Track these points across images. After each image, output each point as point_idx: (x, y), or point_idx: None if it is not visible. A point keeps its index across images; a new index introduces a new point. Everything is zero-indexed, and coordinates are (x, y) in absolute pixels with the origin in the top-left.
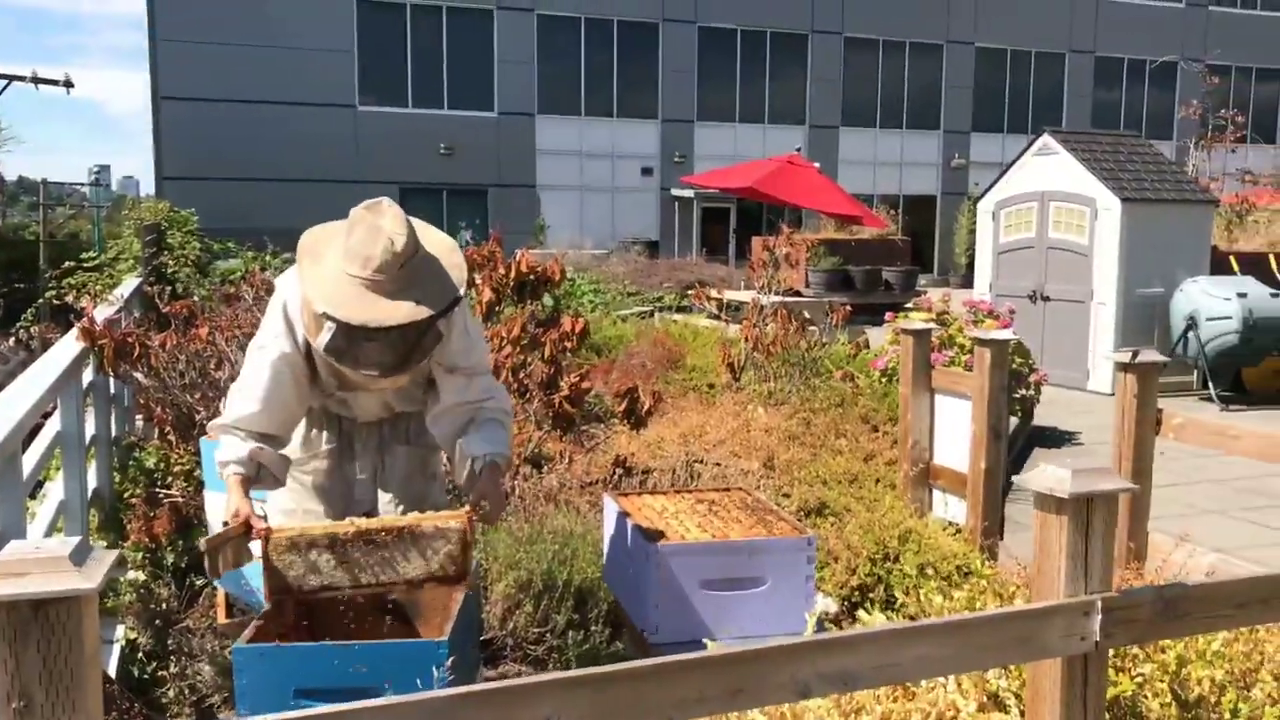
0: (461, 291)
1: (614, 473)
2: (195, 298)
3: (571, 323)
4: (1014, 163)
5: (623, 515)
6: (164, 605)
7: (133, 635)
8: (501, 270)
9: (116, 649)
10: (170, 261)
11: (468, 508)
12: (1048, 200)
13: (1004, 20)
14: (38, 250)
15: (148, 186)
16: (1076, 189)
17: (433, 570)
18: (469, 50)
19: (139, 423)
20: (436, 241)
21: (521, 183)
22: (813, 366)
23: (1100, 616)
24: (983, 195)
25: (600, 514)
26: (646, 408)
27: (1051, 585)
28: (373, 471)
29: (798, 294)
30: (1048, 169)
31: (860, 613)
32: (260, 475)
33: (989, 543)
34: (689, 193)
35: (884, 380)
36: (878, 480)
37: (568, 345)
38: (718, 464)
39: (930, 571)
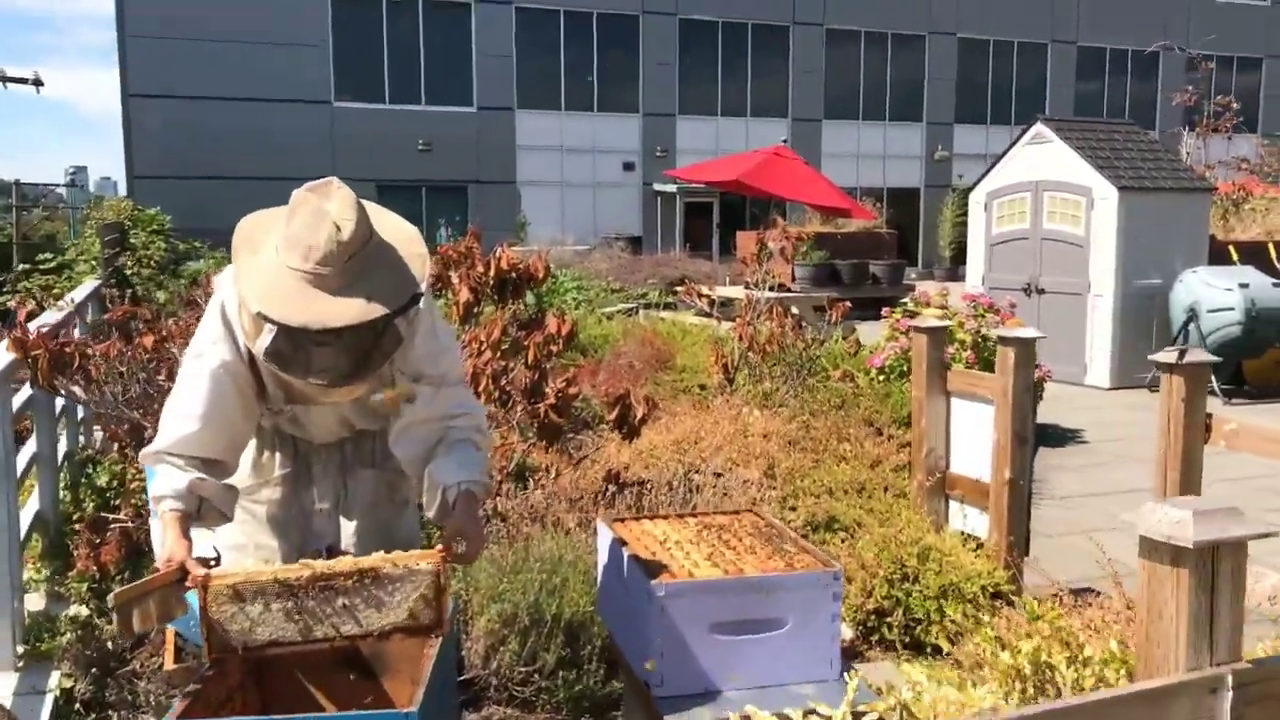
0: (423, 286)
1: (606, 488)
2: (155, 301)
3: (557, 323)
4: (1006, 152)
5: (618, 544)
6: (108, 645)
7: (69, 683)
8: (480, 268)
9: (49, 701)
10: (130, 263)
11: (440, 546)
12: (1042, 190)
13: (986, 11)
14: (11, 253)
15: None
16: (1071, 178)
17: (401, 620)
18: (446, 44)
19: (98, 435)
20: (394, 229)
21: (501, 179)
22: (809, 366)
23: (1231, 694)
24: (974, 185)
25: (592, 534)
26: (640, 416)
27: (1167, 656)
28: (334, 499)
29: (786, 289)
30: (1041, 158)
31: (905, 665)
32: (202, 510)
33: (1016, 559)
34: (671, 187)
35: (882, 379)
36: (886, 489)
37: (553, 348)
38: (717, 474)
39: (953, 594)
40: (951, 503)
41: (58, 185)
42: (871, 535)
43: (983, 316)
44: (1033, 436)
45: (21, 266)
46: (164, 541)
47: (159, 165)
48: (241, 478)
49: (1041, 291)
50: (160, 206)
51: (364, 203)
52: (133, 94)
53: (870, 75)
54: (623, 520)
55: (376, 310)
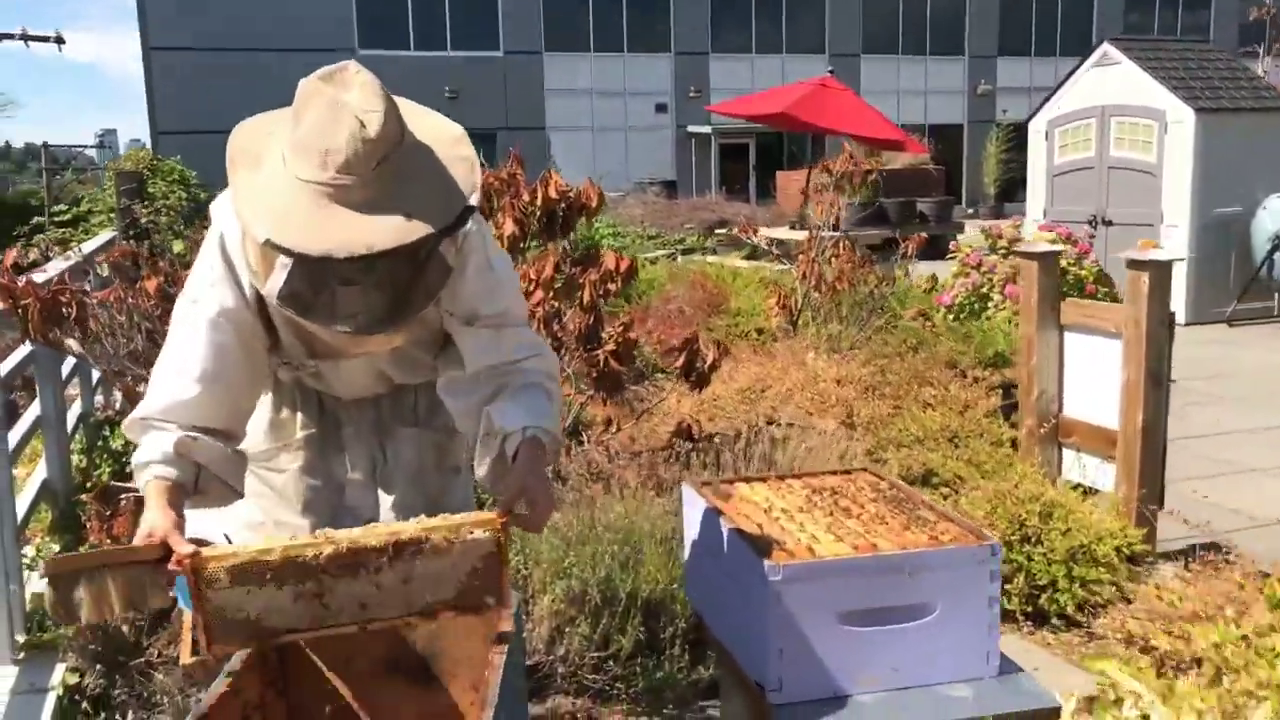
0: (474, 199)
1: (676, 444)
2: (171, 251)
3: (615, 259)
4: (1069, 76)
5: (714, 513)
6: (123, 630)
7: (74, 678)
8: (526, 197)
9: (51, 700)
10: (145, 212)
11: (499, 509)
12: (1109, 115)
13: None
14: (42, 214)
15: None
16: (1143, 101)
17: (449, 598)
18: None
19: (118, 395)
20: (432, 128)
21: (530, 125)
22: (878, 306)
23: None
24: (1034, 114)
25: (667, 497)
26: (710, 362)
27: None
28: (369, 466)
29: (834, 227)
30: (1108, 81)
31: (1113, 667)
32: (201, 481)
33: (1150, 510)
34: (706, 129)
35: (954, 318)
36: (980, 435)
37: (611, 287)
38: (793, 424)
39: (1083, 557)
40: (1065, 451)
41: (87, 146)
42: (983, 491)
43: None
44: (1169, 375)
45: (36, 220)
46: (145, 513)
47: (182, 120)
48: (256, 442)
49: (1109, 223)
50: (185, 161)
51: (394, 96)
52: (153, 47)
53: (910, 7)
54: (712, 484)
55: (418, 230)
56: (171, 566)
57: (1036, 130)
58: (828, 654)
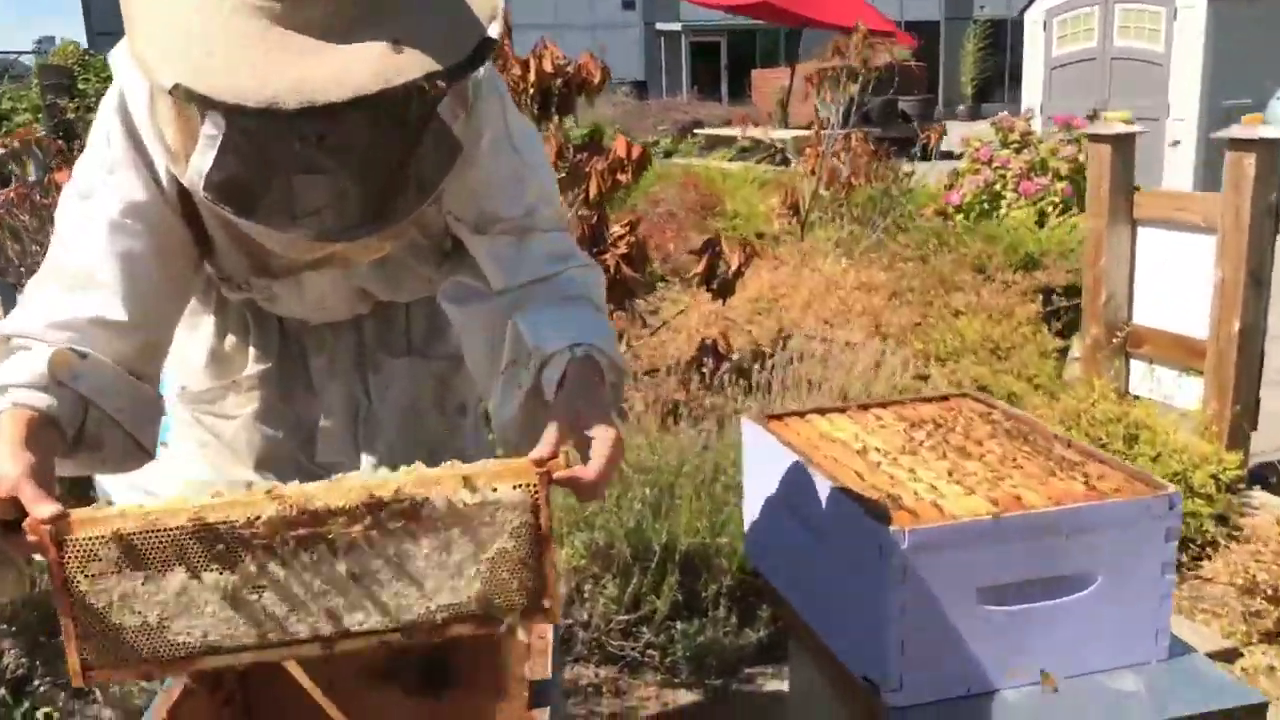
0: (495, 30)
1: (703, 362)
2: None
3: (626, 146)
4: None
5: (796, 459)
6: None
7: None
8: (517, 70)
9: None
10: (73, 107)
11: (539, 451)
12: (1113, 3)
13: None
14: None
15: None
16: None
17: (465, 601)
18: None
19: None
20: None
21: None
22: (891, 206)
23: None
24: (1030, 3)
25: (694, 426)
26: (735, 268)
27: None
28: (349, 409)
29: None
30: None
31: None
32: (90, 425)
33: (1246, 430)
34: (676, 26)
35: (964, 217)
36: (1024, 345)
37: (621, 179)
38: (829, 340)
39: (1177, 486)
40: (1134, 363)
41: (24, 53)
42: (1050, 410)
43: (1078, 141)
44: (1270, 276)
45: None
46: None
47: (119, 18)
48: (194, 379)
49: None
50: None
51: None
52: None
53: None
54: (780, 418)
55: (412, 66)
56: (30, 536)
57: (1034, 20)
58: (962, 641)
